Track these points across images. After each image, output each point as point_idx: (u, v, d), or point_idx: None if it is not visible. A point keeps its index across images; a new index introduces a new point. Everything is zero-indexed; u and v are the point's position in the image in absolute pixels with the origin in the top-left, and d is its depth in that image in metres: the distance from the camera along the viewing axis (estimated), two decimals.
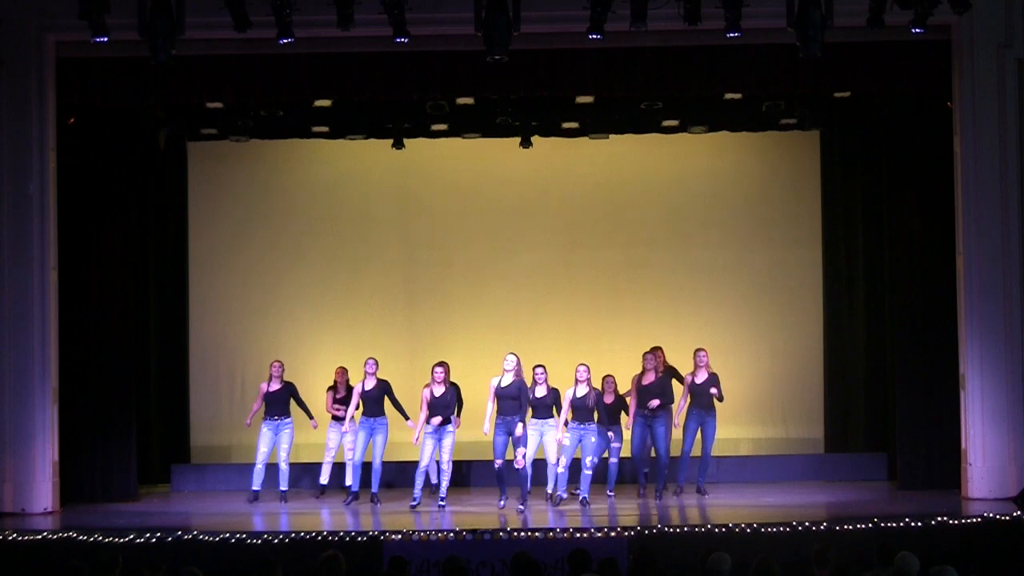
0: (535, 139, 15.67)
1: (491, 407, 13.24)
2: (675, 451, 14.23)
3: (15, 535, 11.68)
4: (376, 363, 13.91)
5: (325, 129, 15.44)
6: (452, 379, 13.81)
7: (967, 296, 13.46)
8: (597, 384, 13.67)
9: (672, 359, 14.47)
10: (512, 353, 13.37)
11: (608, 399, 13.73)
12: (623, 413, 13.91)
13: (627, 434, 13.95)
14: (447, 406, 13.45)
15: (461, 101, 14.58)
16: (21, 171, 13.31)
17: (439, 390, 13.48)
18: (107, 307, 14.38)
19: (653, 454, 14.01)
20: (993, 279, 13.39)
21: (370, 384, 13.84)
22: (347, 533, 11.48)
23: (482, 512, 13.29)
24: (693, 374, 14.13)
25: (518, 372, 13.26)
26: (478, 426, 13.39)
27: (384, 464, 13.95)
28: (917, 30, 12.08)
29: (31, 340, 13.29)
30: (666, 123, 15.53)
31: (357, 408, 13.92)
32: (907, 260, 14.29)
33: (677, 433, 14.16)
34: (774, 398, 16.20)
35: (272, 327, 16.20)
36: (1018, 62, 13.34)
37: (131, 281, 14.71)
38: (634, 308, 16.24)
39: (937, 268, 13.97)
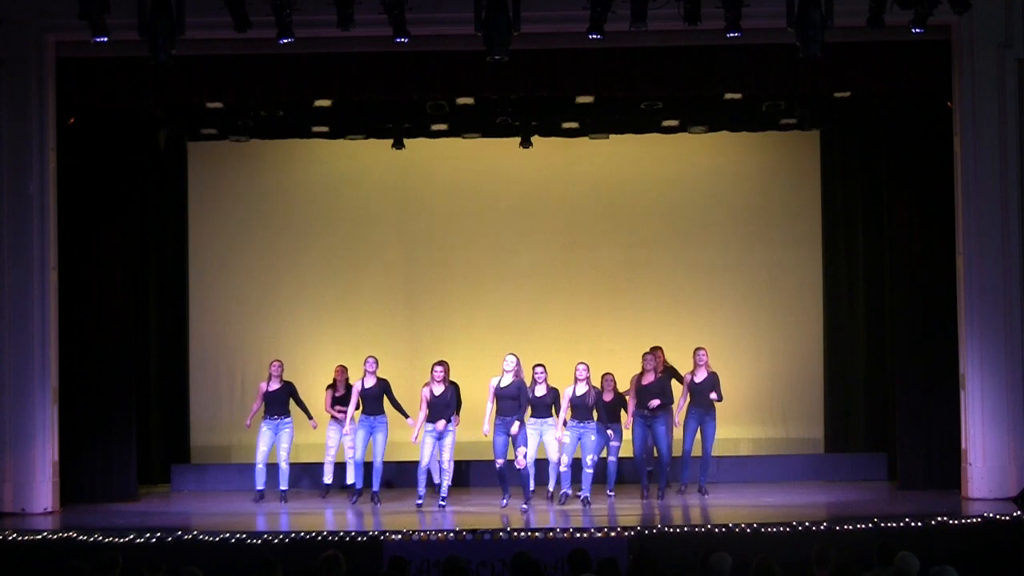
0: (535, 139, 15.67)
1: (491, 407, 13.24)
2: (676, 451, 14.24)
3: (15, 535, 11.68)
4: (376, 361, 13.93)
5: (325, 129, 15.44)
6: (452, 379, 13.82)
7: (967, 296, 13.46)
8: (596, 382, 13.67)
9: (672, 359, 14.48)
10: (511, 354, 13.37)
11: (607, 397, 13.73)
12: (623, 411, 13.91)
13: (627, 434, 13.95)
14: (447, 405, 13.46)
15: (461, 101, 14.58)
16: (21, 171, 13.30)
17: (438, 389, 13.48)
18: (107, 307, 14.38)
19: (655, 454, 14.01)
20: (993, 279, 13.38)
21: (370, 382, 13.85)
22: (347, 533, 11.48)
23: (482, 512, 13.29)
24: (692, 373, 14.14)
25: (517, 372, 13.26)
26: (478, 426, 13.39)
27: (384, 464, 13.96)
28: (917, 30, 12.08)
29: (31, 340, 13.29)
30: (666, 123, 15.52)
31: (357, 408, 13.92)
32: (907, 260, 14.28)
33: (678, 432, 14.17)
34: (774, 398, 16.20)
35: (272, 327, 16.20)
36: (1018, 62, 13.34)
37: (131, 281, 14.70)
38: (634, 308, 16.24)
39: (937, 268, 13.97)
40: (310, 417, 14.20)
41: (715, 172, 16.33)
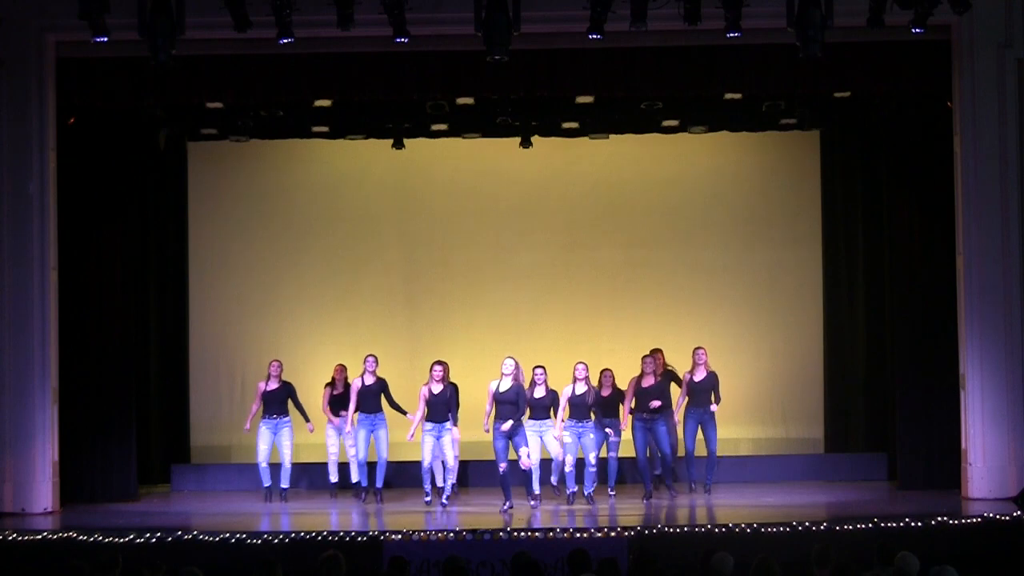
0: (535, 139, 15.67)
1: (489, 411, 13.25)
2: (679, 451, 14.24)
3: (15, 535, 11.68)
4: (376, 360, 13.95)
5: (325, 129, 15.43)
6: (452, 380, 13.83)
7: (967, 296, 13.46)
8: (595, 381, 13.67)
9: (672, 359, 14.47)
10: (510, 357, 13.37)
11: (605, 392, 13.68)
12: (620, 405, 13.85)
13: (626, 433, 13.92)
14: (445, 403, 13.46)
15: (461, 101, 14.57)
16: (21, 171, 13.30)
17: (437, 388, 13.49)
18: (107, 307, 14.38)
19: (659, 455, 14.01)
20: (993, 279, 13.38)
21: (369, 380, 13.87)
22: (347, 533, 11.47)
23: (482, 512, 13.29)
24: (692, 372, 14.13)
25: (516, 376, 13.26)
26: (477, 426, 13.39)
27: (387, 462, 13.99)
28: (917, 30, 12.08)
29: (31, 340, 13.29)
30: (666, 123, 15.52)
31: (357, 408, 13.92)
32: (907, 260, 14.28)
33: (680, 432, 14.16)
34: (774, 398, 16.20)
35: (272, 327, 16.20)
36: (1018, 62, 13.34)
37: (131, 281, 14.71)
38: (634, 308, 16.24)
39: (937, 268, 13.97)
40: (307, 420, 14.19)
41: (715, 172, 16.33)
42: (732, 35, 11.93)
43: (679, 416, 14.15)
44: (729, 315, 16.19)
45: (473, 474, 14.82)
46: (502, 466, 13.15)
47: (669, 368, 14.34)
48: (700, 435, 14.18)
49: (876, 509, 12.92)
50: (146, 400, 15.31)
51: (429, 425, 13.46)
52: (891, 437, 14.81)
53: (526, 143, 15.66)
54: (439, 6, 12.73)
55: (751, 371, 16.05)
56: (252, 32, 12.04)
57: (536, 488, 13.36)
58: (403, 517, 12.93)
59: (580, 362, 13.54)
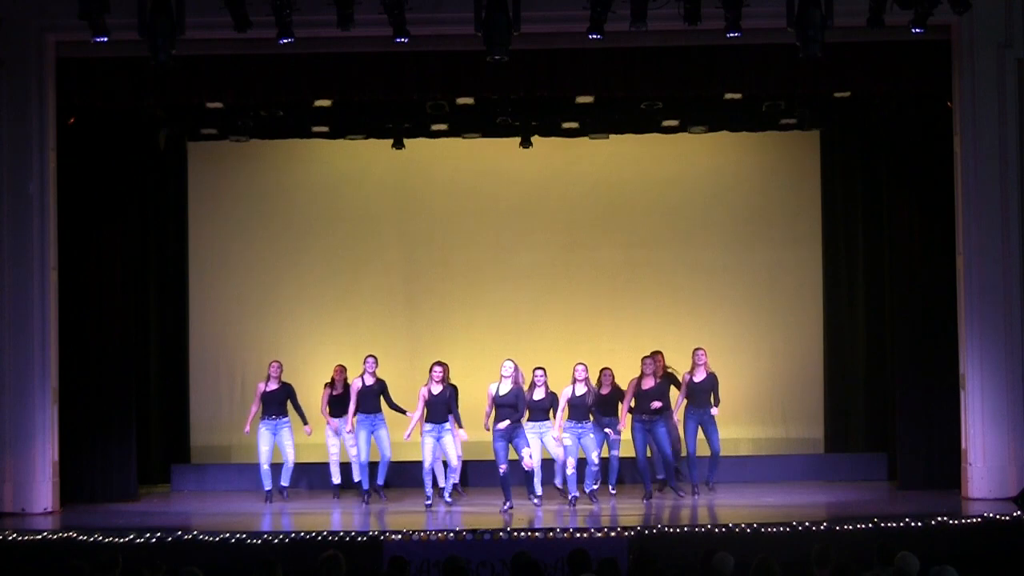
0: (535, 139, 15.67)
1: (489, 411, 13.24)
2: (681, 453, 14.24)
3: (15, 535, 11.68)
4: (376, 361, 13.95)
5: (325, 129, 15.44)
6: (452, 380, 13.83)
7: (967, 296, 13.46)
8: (595, 380, 13.67)
9: (671, 359, 14.44)
10: (509, 359, 13.36)
11: (604, 390, 13.67)
12: (619, 404, 13.83)
13: (626, 433, 13.91)
14: (445, 404, 13.46)
15: (461, 101, 14.58)
16: (21, 171, 13.30)
17: (437, 388, 13.50)
18: (107, 307, 14.38)
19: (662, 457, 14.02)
20: (993, 279, 13.38)
21: (369, 381, 13.87)
22: (347, 533, 11.47)
23: (482, 512, 13.29)
24: (691, 373, 14.12)
25: (516, 378, 13.26)
26: (477, 427, 13.39)
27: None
28: (917, 30, 12.07)
29: (31, 340, 13.29)
30: (666, 123, 15.52)
31: (356, 408, 13.92)
32: (907, 260, 14.28)
33: (680, 432, 14.16)
34: (774, 398, 16.20)
35: (272, 327, 16.21)
36: (1018, 62, 13.34)
37: (131, 281, 14.70)
38: (634, 308, 16.24)
39: (937, 268, 13.97)
40: (305, 423, 14.18)
41: (715, 172, 16.33)
42: (732, 35, 11.93)
43: (678, 416, 14.14)
44: (729, 315, 16.20)
45: (473, 474, 14.80)
46: (502, 467, 13.15)
47: (669, 371, 14.31)
48: (701, 435, 14.17)
49: (876, 509, 12.92)
50: (146, 400, 15.31)
51: (429, 426, 13.46)
52: (891, 437, 14.81)
53: (526, 143, 15.67)
54: (439, 6, 12.72)
55: (751, 371, 16.05)
56: (252, 32, 12.04)
57: (538, 489, 13.35)
58: (403, 517, 12.93)
59: (580, 363, 13.54)
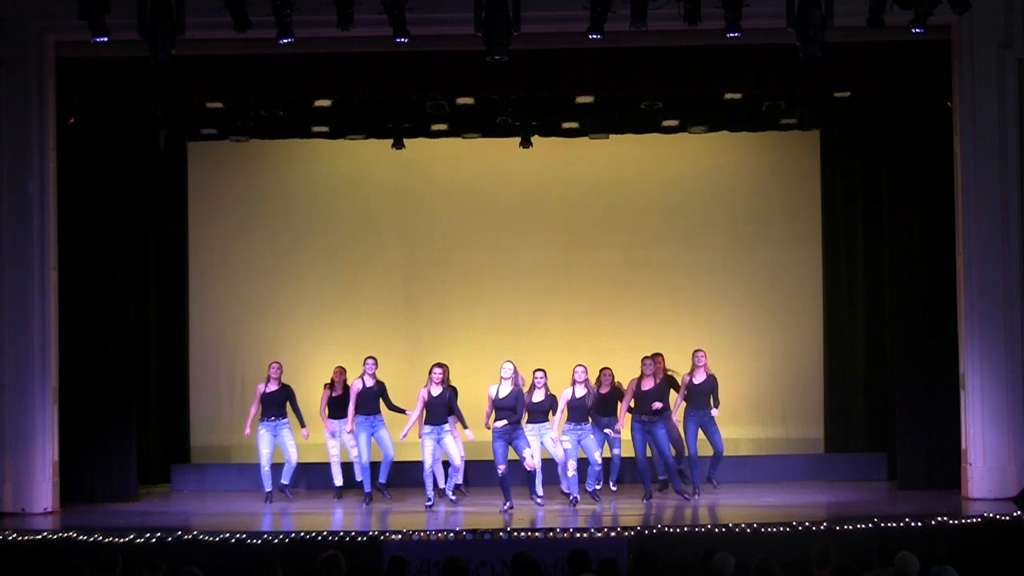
0: (535, 139, 15.67)
1: (490, 412, 13.24)
2: (684, 454, 14.23)
3: (15, 535, 11.68)
4: (376, 363, 13.95)
5: (325, 129, 15.43)
6: (452, 381, 13.83)
7: (967, 296, 13.46)
8: (594, 380, 13.66)
9: (671, 359, 14.44)
10: (508, 361, 13.36)
11: (604, 390, 13.65)
12: (618, 403, 13.81)
13: (625, 433, 13.90)
14: (444, 406, 13.46)
15: (461, 101, 14.57)
16: (21, 171, 13.31)
17: (436, 390, 13.49)
18: (107, 307, 14.38)
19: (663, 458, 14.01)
20: (993, 279, 13.38)
21: (369, 383, 13.87)
22: (347, 533, 11.48)
23: (482, 512, 13.29)
24: (691, 374, 14.10)
25: (515, 380, 13.26)
26: (478, 427, 13.39)
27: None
28: (917, 30, 12.08)
29: (31, 340, 13.29)
30: (666, 123, 15.52)
31: (356, 410, 13.92)
32: (907, 260, 14.28)
33: (680, 433, 14.16)
34: (774, 398, 16.20)
35: (272, 327, 16.21)
36: (1018, 62, 13.34)
37: (131, 281, 14.70)
38: (634, 308, 16.24)
39: (937, 268, 13.97)
40: (303, 425, 14.18)
41: (715, 172, 16.33)
42: (732, 35, 11.93)
43: (677, 417, 14.13)
44: (729, 315, 16.20)
45: (473, 474, 14.79)
46: (500, 468, 13.14)
47: (670, 374, 14.30)
48: (702, 436, 14.15)
49: (876, 509, 12.92)
50: (146, 400, 15.31)
51: (428, 428, 13.46)
52: (891, 437, 14.81)
53: (526, 143, 15.67)
54: (439, 6, 12.73)
55: (751, 371, 16.05)
56: (252, 32, 12.05)
57: (540, 489, 13.35)
58: (403, 517, 12.93)
59: (579, 365, 13.52)
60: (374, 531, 11.57)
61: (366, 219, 16.40)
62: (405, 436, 13.57)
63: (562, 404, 13.43)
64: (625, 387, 13.87)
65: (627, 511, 13.28)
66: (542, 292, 16.33)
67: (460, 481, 14.03)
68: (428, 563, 10.85)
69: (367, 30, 12.36)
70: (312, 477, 14.88)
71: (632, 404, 13.81)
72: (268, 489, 14.09)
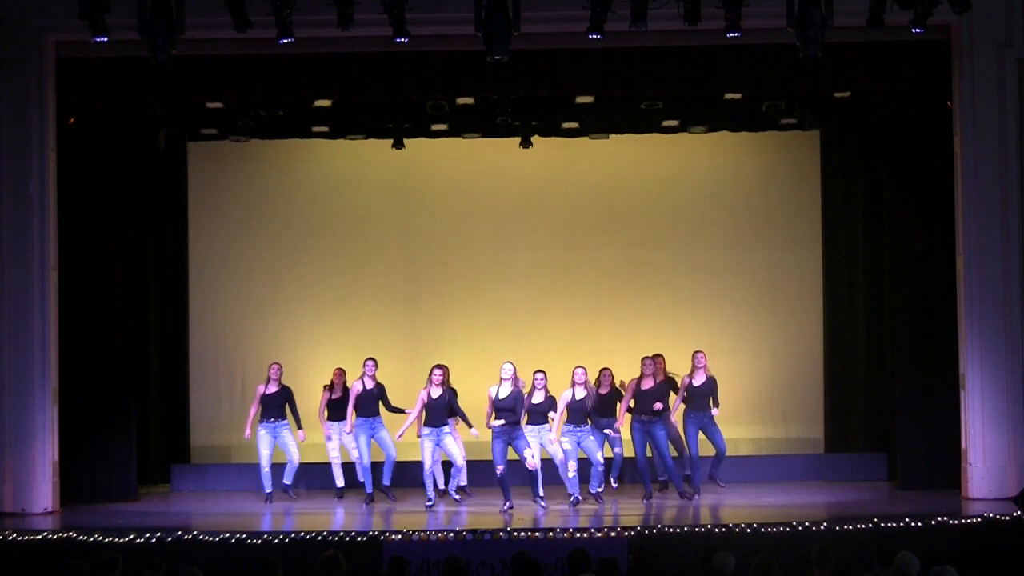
0: (535, 139, 15.67)
1: (490, 412, 13.24)
2: (685, 454, 14.24)
3: (15, 535, 11.68)
4: (375, 364, 13.95)
5: (325, 129, 15.44)
6: (452, 381, 13.82)
7: (967, 296, 13.46)
8: (594, 380, 13.66)
9: (671, 359, 14.43)
10: (508, 362, 13.36)
11: (604, 390, 13.65)
12: (618, 404, 13.81)
13: (625, 433, 13.90)
14: (444, 407, 13.45)
15: (461, 101, 14.58)
16: (21, 171, 13.31)
17: (436, 392, 13.48)
18: (107, 307, 14.38)
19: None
20: (993, 279, 13.39)
21: (369, 384, 13.87)
22: (347, 533, 11.47)
23: (482, 512, 13.29)
24: (691, 376, 14.09)
25: (515, 381, 13.25)
26: (478, 426, 13.39)
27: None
28: (917, 30, 12.08)
29: (31, 340, 13.29)
30: (666, 123, 15.52)
31: (355, 411, 13.91)
32: (907, 260, 14.28)
33: (680, 434, 14.15)
34: (774, 398, 16.20)
35: (272, 327, 16.21)
36: (1018, 62, 13.34)
37: (131, 281, 14.70)
38: (634, 308, 16.24)
39: (937, 268, 13.97)
40: (299, 427, 14.18)
41: (715, 172, 16.33)
42: (732, 35, 11.93)
43: (676, 418, 14.12)
44: (729, 315, 16.20)
45: (473, 474, 14.77)
46: (499, 468, 13.14)
47: (670, 375, 14.29)
48: (702, 437, 14.14)
49: (876, 509, 12.92)
50: (146, 400, 15.31)
51: (428, 430, 13.46)
52: (891, 437, 14.81)
53: (526, 143, 15.67)
54: (439, 6, 12.73)
55: (751, 371, 16.05)
56: (252, 32, 12.05)
57: (542, 490, 13.33)
58: (403, 517, 12.94)
59: (579, 366, 13.50)
60: (374, 531, 11.57)
61: (366, 219, 16.40)
62: (401, 436, 13.56)
63: (561, 406, 13.41)
64: (625, 387, 13.88)
65: (627, 511, 13.28)
66: (542, 292, 16.33)
67: (464, 482, 14.03)
68: (428, 563, 10.84)
69: (367, 30, 12.37)
70: (313, 477, 14.88)
71: (632, 404, 13.80)
72: (268, 490, 14.09)
